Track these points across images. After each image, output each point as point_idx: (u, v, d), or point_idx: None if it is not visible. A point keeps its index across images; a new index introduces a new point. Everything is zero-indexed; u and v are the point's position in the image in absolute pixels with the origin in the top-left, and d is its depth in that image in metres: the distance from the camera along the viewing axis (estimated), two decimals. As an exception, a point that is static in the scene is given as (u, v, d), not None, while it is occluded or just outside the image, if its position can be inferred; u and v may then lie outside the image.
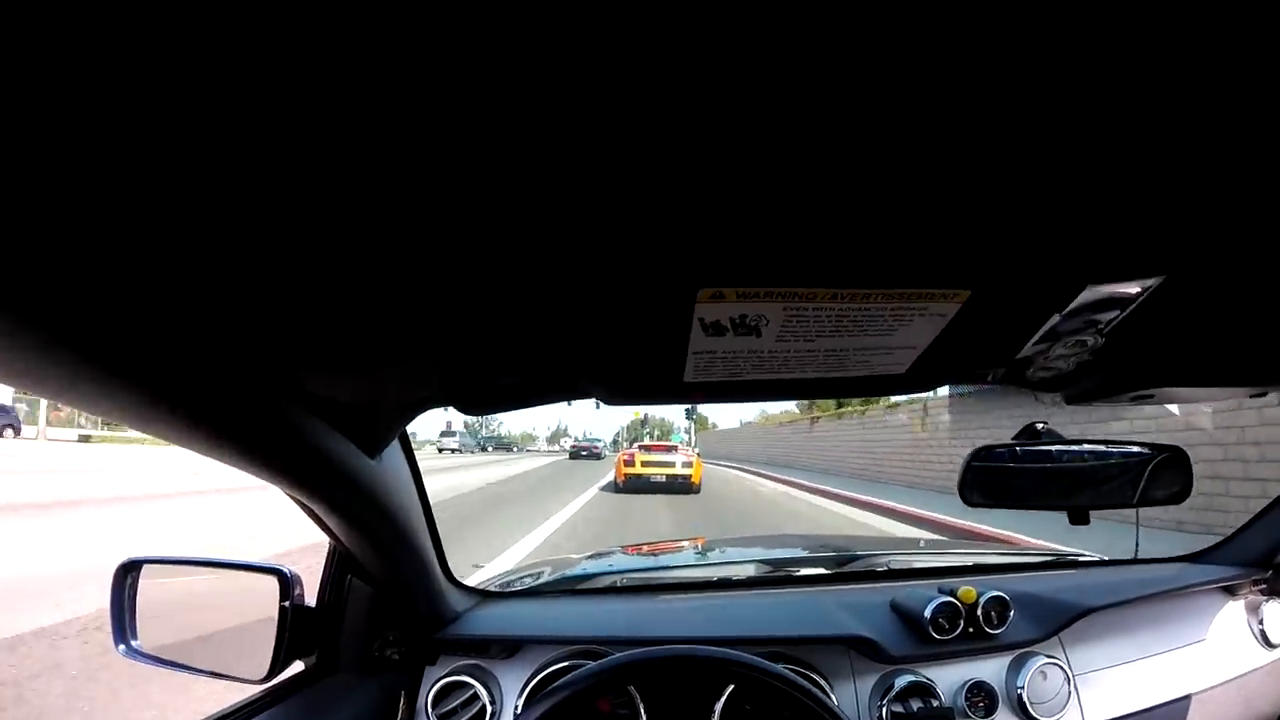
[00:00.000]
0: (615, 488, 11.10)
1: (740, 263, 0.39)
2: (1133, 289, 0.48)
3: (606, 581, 1.11)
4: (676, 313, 0.44)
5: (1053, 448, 0.86)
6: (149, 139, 0.24)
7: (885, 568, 1.16)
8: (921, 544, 1.59)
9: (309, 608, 0.84)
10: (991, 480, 0.82)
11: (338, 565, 0.83)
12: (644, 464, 10.74)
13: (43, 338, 0.28)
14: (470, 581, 1.05)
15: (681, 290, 0.41)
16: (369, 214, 0.31)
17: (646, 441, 16.34)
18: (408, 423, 0.65)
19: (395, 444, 0.71)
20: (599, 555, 1.41)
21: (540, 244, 0.35)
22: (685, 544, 1.65)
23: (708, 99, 0.24)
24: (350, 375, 0.51)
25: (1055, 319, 0.52)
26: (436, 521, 0.87)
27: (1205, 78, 0.25)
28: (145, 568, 0.88)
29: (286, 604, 0.82)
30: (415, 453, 0.83)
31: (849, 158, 0.29)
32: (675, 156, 0.28)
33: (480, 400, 0.60)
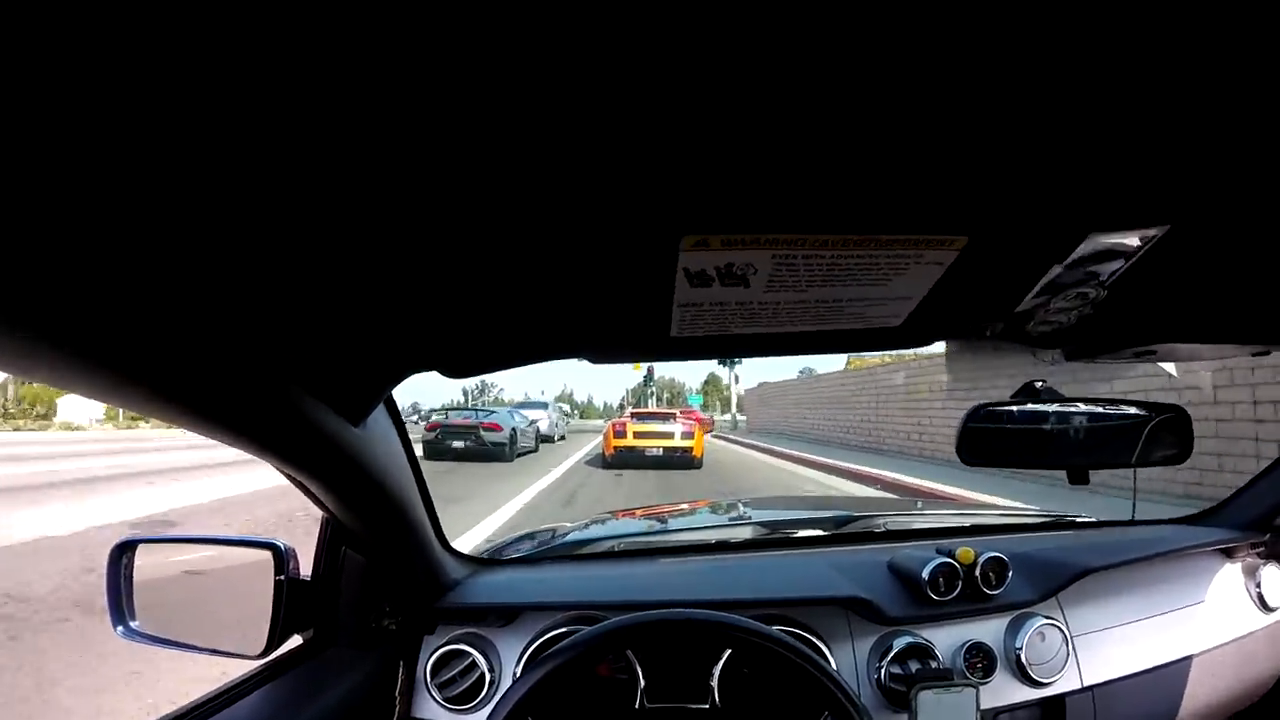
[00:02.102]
0: (603, 462, 9.86)
1: (725, 208, 0.37)
2: (1136, 239, 0.46)
3: (604, 547, 1.11)
4: (660, 262, 0.42)
5: (1051, 406, 0.85)
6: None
7: (882, 529, 1.16)
8: (918, 505, 1.59)
9: (305, 581, 0.83)
10: (989, 439, 0.81)
11: (331, 536, 0.82)
12: (636, 435, 9.49)
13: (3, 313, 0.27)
14: (462, 548, 1.05)
15: (665, 238, 0.39)
16: (343, 167, 0.30)
17: (642, 409, 14.82)
18: (391, 388, 0.64)
19: (382, 411, 0.70)
20: (596, 521, 1.41)
21: (518, 194, 0.34)
22: (683, 507, 1.66)
23: (688, 30, 0.22)
24: (328, 340, 0.50)
25: (1056, 270, 0.50)
26: (429, 489, 0.86)
27: (1215, 14, 0.23)
28: (141, 547, 0.88)
29: (281, 578, 0.82)
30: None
31: (841, 92, 0.27)
32: (655, 93, 0.26)
33: (463, 363, 0.58)
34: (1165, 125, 0.32)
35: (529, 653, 0.84)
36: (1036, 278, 0.52)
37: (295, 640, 0.87)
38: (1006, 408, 0.82)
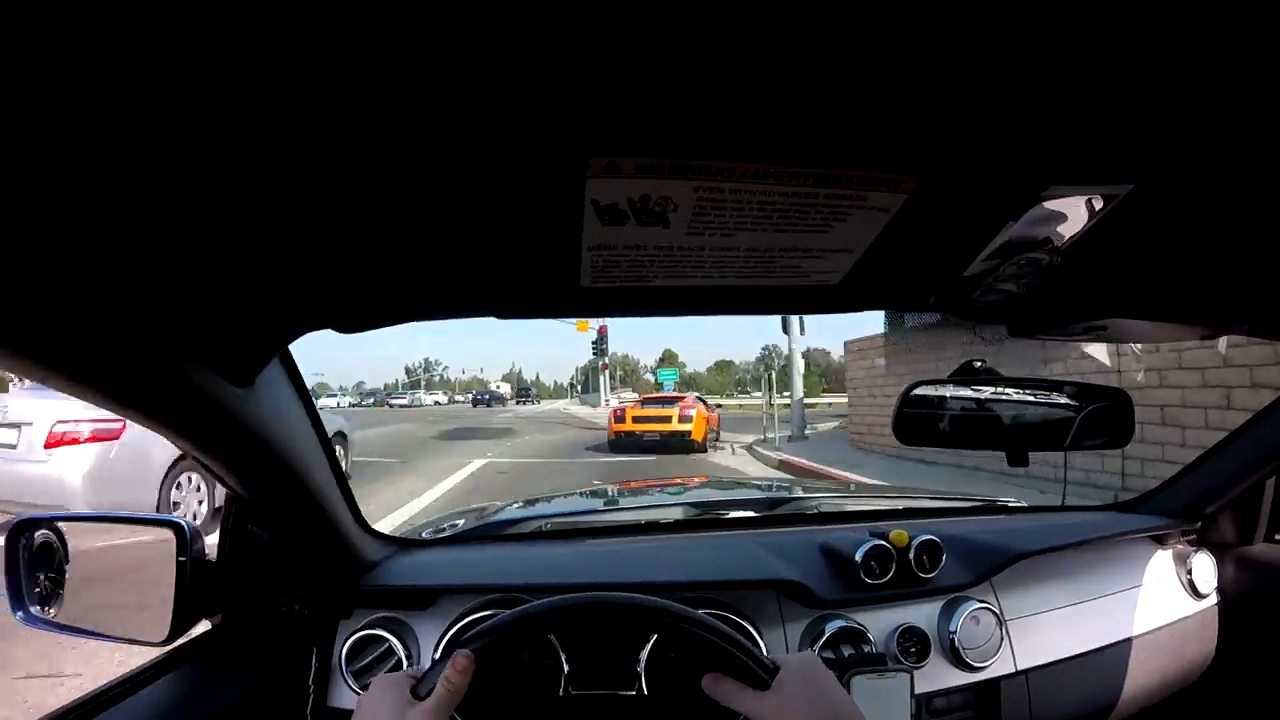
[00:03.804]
0: (607, 445, 10.39)
1: (640, 125, 0.32)
2: (1097, 198, 0.43)
3: (531, 527, 1.08)
4: (564, 191, 0.36)
5: (989, 388, 0.84)
6: None
7: (815, 511, 1.15)
8: (852, 488, 1.59)
9: (210, 562, 0.79)
10: (926, 418, 0.80)
11: (236, 514, 0.78)
12: (635, 420, 9.88)
13: None
14: (387, 528, 1.01)
15: (568, 159, 0.34)
16: (216, 108, 0.26)
17: (651, 394, 15.49)
18: (281, 347, 0.59)
19: (280, 375, 0.66)
20: (529, 501, 1.38)
21: (393, 116, 0.29)
22: (615, 487, 1.63)
23: None
24: (203, 295, 0.45)
25: (1010, 228, 0.46)
26: (341, 462, 0.82)
27: None
28: (40, 526, 0.83)
29: (184, 559, 0.77)
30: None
31: None
32: None
33: (354, 318, 0.53)
34: (1134, 74, 0.29)
35: (447, 637, 0.81)
36: (988, 237, 0.48)
37: (204, 625, 0.82)
38: (941, 389, 0.80)
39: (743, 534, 1.03)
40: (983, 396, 0.82)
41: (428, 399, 58.69)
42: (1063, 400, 0.88)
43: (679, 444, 9.49)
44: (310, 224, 0.39)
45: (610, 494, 1.49)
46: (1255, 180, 0.41)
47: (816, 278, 0.51)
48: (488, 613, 0.81)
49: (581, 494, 1.50)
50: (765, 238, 0.43)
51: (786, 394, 11.89)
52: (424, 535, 1.05)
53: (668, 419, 9.60)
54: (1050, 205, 0.44)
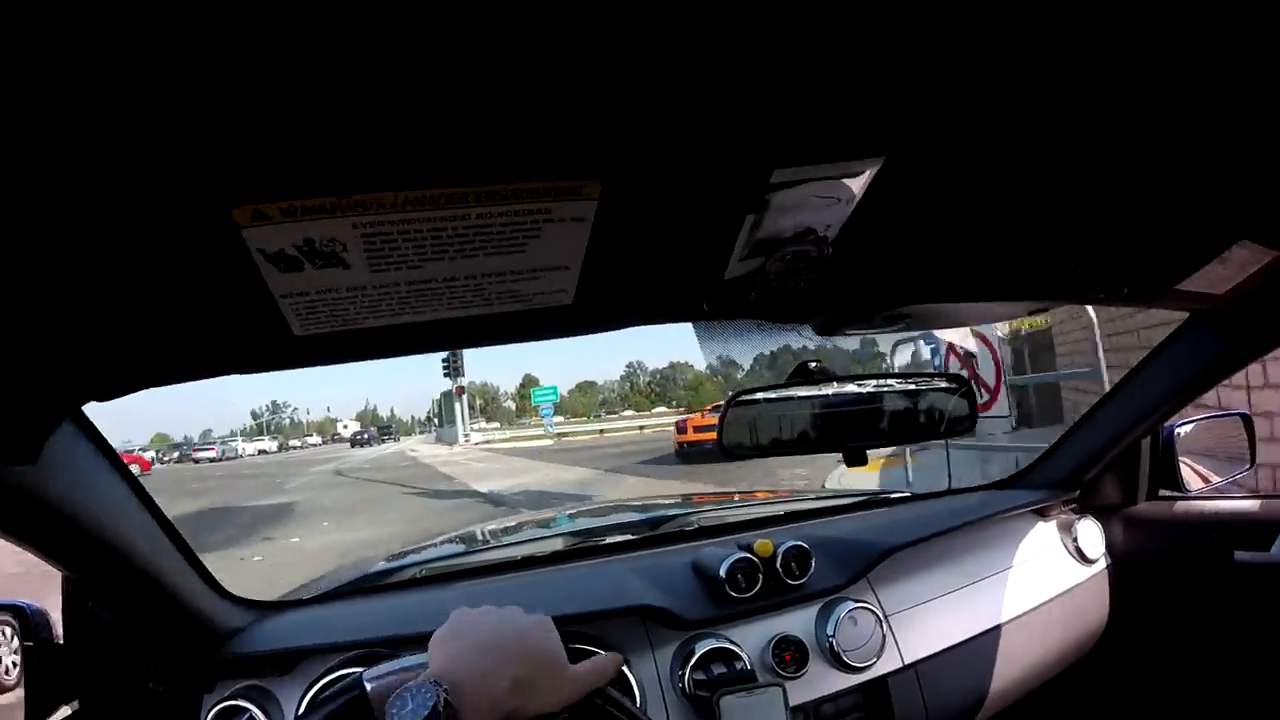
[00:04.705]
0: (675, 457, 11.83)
1: (271, 168, 0.30)
2: (843, 178, 0.40)
3: (407, 575, 1.06)
4: (225, 243, 0.34)
5: (824, 389, 0.85)
6: None
7: (694, 527, 1.14)
8: (735, 498, 1.58)
9: (60, 645, 0.78)
10: (754, 427, 0.81)
11: (73, 592, 0.77)
12: (695, 429, 11.16)
13: None
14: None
15: (212, 212, 0.32)
16: None
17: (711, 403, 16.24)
18: (64, 416, 0.57)
19: (76, 442, 0.63)
20: (413, 549, 1.36)
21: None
22: (495, 525, 1.61)
23: None
24: None
25: (752, 221, 0.43)
26: (179, 529, 0.80)
27: None
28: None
29: (30, 644, 0.76)
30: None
31: None
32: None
33: (109, 383, 0.52)
34: (840, 41, 0.26)
35: (306, 701, 0.80)
36: (730, 234, 0.45)
37: (64, 712, 0.81)
38: (768, 394, 0.82)
39: (621, 559, 1.03)
40: (818, 399, 0.83)
41: (248, 448, 43.84)
42: (906, 393, 0.89)
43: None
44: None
45: (491, 531, 1.47)
46: (1014, 146, 0.40)
47: (544, 299, 0.48)
48: (346, 671, 0.80)
49: (463, 534, 1.48)
50: (459, 265, 0.40)
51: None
52: (291, 598, 1.04)
53: None
54: (796, 192, 0.41)
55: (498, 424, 44.51)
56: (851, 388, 0.86)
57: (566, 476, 11.03)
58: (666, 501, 1.60)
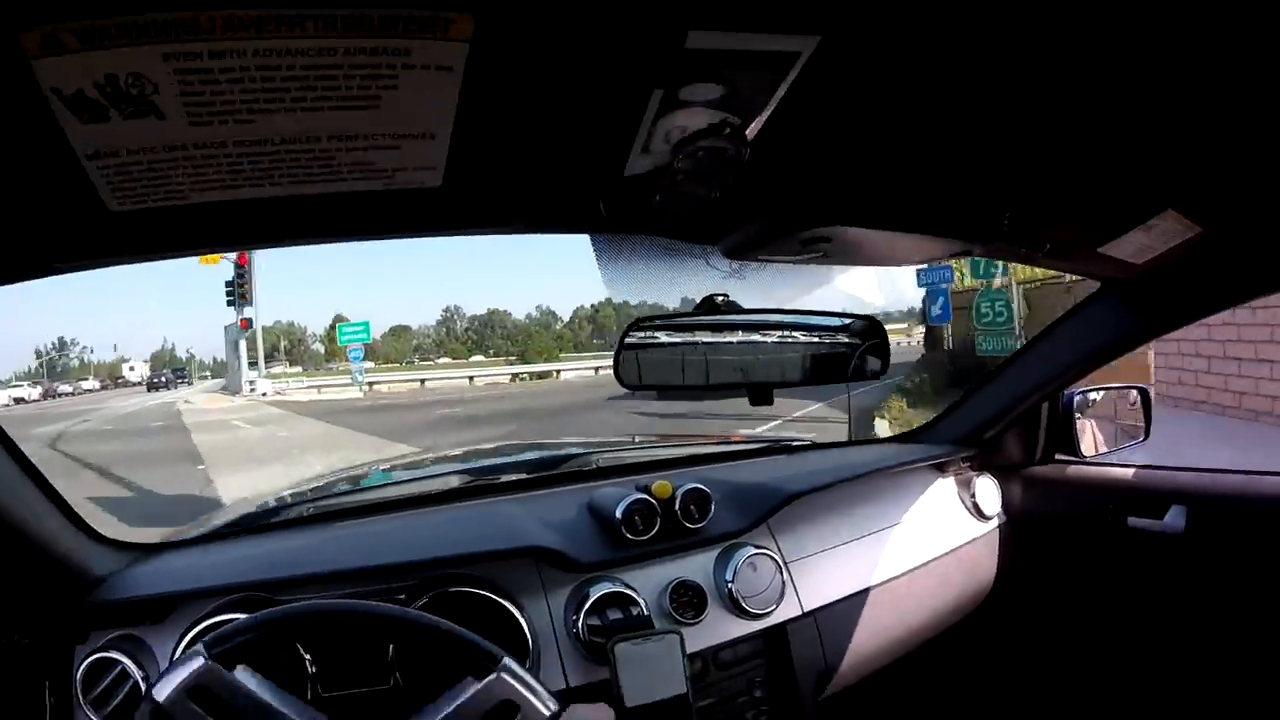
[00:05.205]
0: None
1: None
2: (771, 57, 0.33)
3: (294, 513, 0.98)
4: (12, 82, 0.27)
5: (733, 323, 0.79)
6: None
7: (593, 467, 1.10)
8: (635, 439, 1.56)
9: None
10: (651, 360, 0.75)
11: None
12: None
13: None
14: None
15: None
16: None
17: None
18: None
19: None
20: (303, 486, 1.28)
21: None
22: (391, 462, 1.55)
23: None
24: None
25: (658, 99, 0.36)
26: (38, 465, 0.69)
27: None
28: None
29: None
30: None
31: None
32: None
33: None
34: None
35: (179, 650, 0.71)
36: (634, 117, 0.38)
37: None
38: (668, 329, 0.75)
39: (514, 498, 0.97)
40: (722, 334, 0.78)
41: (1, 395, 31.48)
42: (817, 331, 0.85)
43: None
44: None
45: (387, 468, 1.40)
46: (962, 57, 0.34)
47: (406, 177, 0.40)
48: (223, 617, 0.71)
49: (356, 472, 1.40)
50: (299, 122, 0.33)
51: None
52: (171, 539, 0.95)
53: None
54: (714, 68, 0.33)
55: (300, 368, 38.97)
56: (759, 323, 0.81)
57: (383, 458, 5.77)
58: (567, 441, 1.56)
